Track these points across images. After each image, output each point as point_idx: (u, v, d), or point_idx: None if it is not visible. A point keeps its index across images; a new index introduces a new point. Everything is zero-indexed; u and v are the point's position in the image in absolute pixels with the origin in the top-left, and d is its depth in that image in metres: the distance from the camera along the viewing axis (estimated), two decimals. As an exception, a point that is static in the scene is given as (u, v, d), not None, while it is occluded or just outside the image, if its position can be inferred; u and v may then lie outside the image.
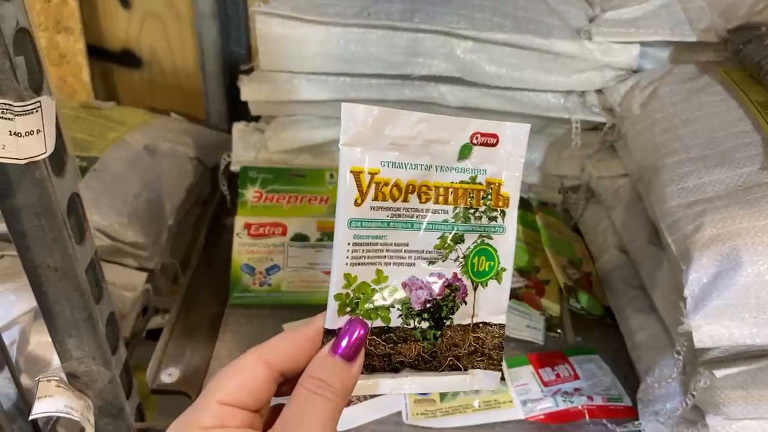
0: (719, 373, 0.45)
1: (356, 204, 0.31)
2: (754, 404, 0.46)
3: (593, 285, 0.67)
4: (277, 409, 0.31)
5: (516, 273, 0.65)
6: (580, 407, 0.53)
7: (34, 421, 0.48)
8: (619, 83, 0.65)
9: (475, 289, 0.34)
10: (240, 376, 0.30)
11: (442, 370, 0.34)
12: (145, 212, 0.69)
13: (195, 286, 0.66)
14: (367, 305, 0.32)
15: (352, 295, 0.32)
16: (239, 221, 0.67)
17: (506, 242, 0.35)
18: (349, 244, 0.31)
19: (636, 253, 0.60)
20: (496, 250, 0.34)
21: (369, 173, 0.31)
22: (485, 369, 0.35)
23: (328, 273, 0.64)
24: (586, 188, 0.71)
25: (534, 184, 0.74)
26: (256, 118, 0.75)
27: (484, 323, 0.35)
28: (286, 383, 0.31)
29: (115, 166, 0.70)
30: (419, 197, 0.33)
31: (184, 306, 0.64)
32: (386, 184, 0.32)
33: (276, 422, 0.29)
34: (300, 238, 0.67)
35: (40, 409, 0.43)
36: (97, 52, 0.93)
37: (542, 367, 0.57)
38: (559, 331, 0.62)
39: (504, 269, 0.35)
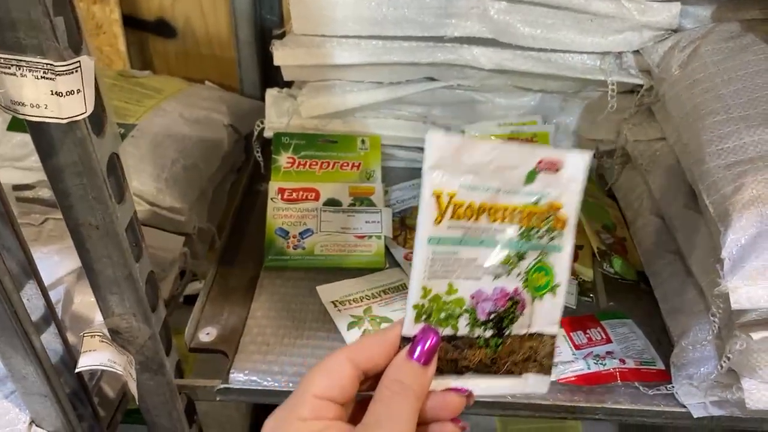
0: (756, 335, 0.44)
1: (436, 222, 0.34)
2: (792, 368, 0.45)
3: (627, 250, 0.66)
4: (360, 403, 0.35)
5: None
6: (612, 370, 0.53)
7: (80, 375, 0.50)
8: (657, 43, 0.63)
9: (532, 301, 0.37)
10: (331, 372, 0.34)
11: (500, 374, 0.37)
12: (182, 178, 0.70)
13: (231, 250, 0.68)
14: (440, 315, 0.36)
15: (427, 306, 0.35)
16: (273, 186, 0.68)
17: (563, 260, 0.37)
18: (428, 259, 0.35)
19: (672, 217, 0.59)
20: (552, 267, 0.37)
21: (448, 195, 0.34)
22: (537, 374, 0.38)
23: (360, 237, 0.66)
24: (621, 152, 0.70)
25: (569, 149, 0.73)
26: (289, 85, 0.76)
27: (539, 333, 0.38)
28: (366, 381, 0.35)
29: (152, 132, 0.71)
30: (489, 217, 0.35)
31: (221, 268, 0.65)
32: (461, 206, 0.34)
33: (365, 416, 0.33)
34: (332, 203, 0.68)
35: (85, 363, 0.44)
36: (132, 22, 0.93)
37: (574, 331, 0.57)
38: (591, 295, 0.62)
39: (559, 284, 0.37)
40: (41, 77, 0.33)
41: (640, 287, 0.62)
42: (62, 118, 0.35)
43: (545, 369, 0.38)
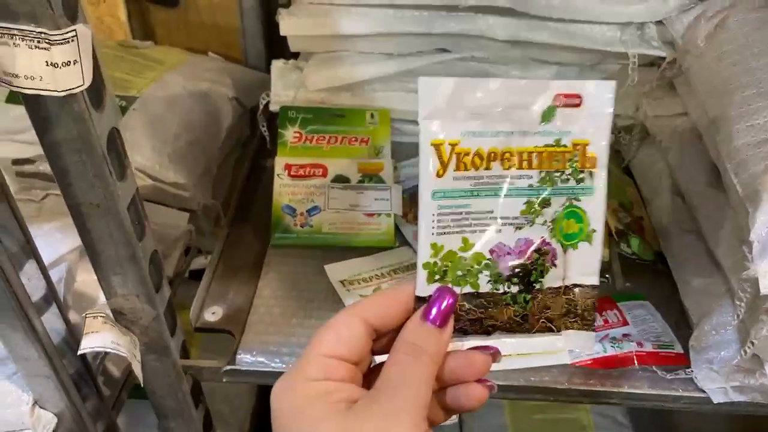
0: (784, 321, 0.42)
1: (438, 175, 0.32)
2: (819, 354, 0.44)
3: (644, 229, 0.64)
4: (376, 369, 0.33)
5: (564, 216, 0.63)
6: (629, 353, 0.51)
7: (83, 355, 0.49)
8: (682, 13, 0.60)
9: (565, 251, 0.34)
10: (339, 330, 0.32)
11: (535, 332, 0.35)
12: (185, 152, 0.68)
13: (237, 227, 0.66)
14: (456, 272, 0.33)
15: (440, 264, 0.33)
16: (279, 162, 0.66)
17: (596, 203, 0.34)
18: (433, 214, 0.32)
19: (693, 196, 0.57)
20: (585, 212, 0.34)
21: (449, 144, 0.32)
22: (578, 329, 0.35)
23: (370, 215, 0.64)
24: (640, 128, 0.68)
25: (584, 124, 0.71)
26: (295, 56, 0.73)
27: (576, 285, 0.35)
28: (380, 339, 0.33)
29: (155, 105, 0.69)
30: (502, 164, 0.33)
31: (227, 246, 0.64)
32: (467, 154, 0.32)
33: (377, 380, 0.31)
34: (341, 179, 0.66)
35: (87, 345, 0.43)
36: (133, -9, 0.90)
37: (590, 313, 0.56)
38: (607, 276, 0.60)
39: (594, 230, 0.34)
40: (35, 47, 0.31)
41: (658, 268, 0.61)
42: (59, 91, 0.33)
43: (588, 324, 0.35)
